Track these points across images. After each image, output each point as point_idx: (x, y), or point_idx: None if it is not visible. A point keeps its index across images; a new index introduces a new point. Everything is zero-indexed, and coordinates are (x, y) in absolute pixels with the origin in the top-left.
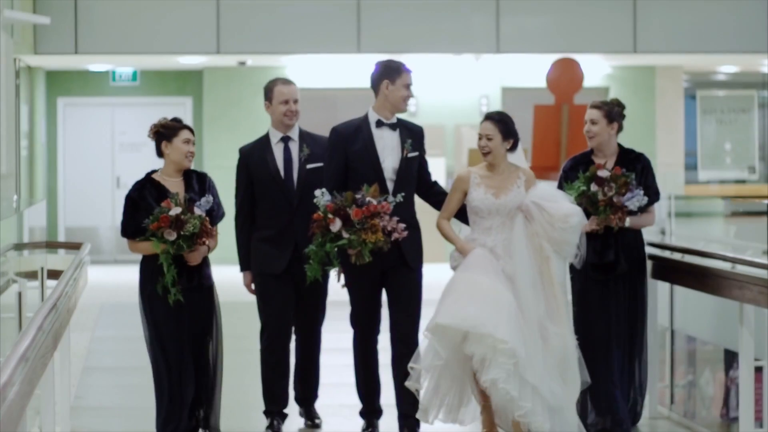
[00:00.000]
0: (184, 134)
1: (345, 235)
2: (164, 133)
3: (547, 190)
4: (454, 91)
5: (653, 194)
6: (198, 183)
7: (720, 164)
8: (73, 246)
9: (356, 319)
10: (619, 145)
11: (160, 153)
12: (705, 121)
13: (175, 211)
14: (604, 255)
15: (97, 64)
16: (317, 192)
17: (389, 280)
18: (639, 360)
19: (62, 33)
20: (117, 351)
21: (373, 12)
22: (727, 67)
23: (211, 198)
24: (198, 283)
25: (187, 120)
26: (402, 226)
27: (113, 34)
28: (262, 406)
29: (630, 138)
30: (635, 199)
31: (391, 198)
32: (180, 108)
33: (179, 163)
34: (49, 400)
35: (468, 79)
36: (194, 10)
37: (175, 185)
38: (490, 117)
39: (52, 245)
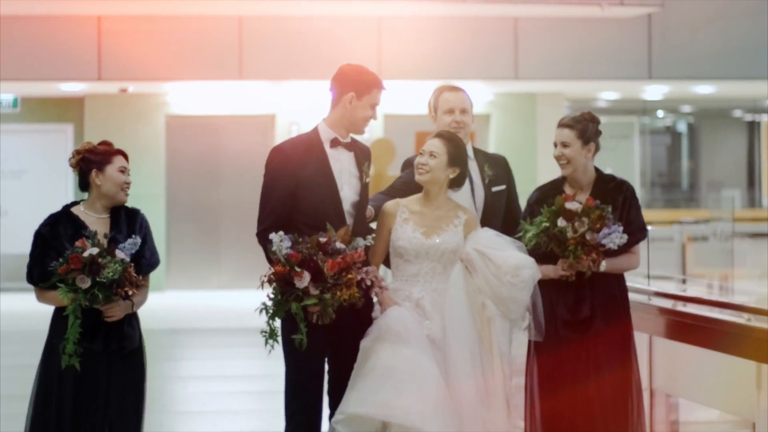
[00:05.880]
0: (119, 161)
1: (314, 292)
2: (93, 159)
3: (492, 236)
4: None
5: (638, 230)
6: (127, 223)
7: None
8: None
9: (295, 395)
10: (597, 171)
11: (85, 185)
12: None
13: (91, 251)
14: (577, 310)
15: None
16: (273, 236)
17: (338, 340)
18: None
19: None
20: None
21: (255, 39)
22: (607, 93)
23: (138, 240)
24: (117, 347)
25: (68, 147)
26: (380, 275)
27: None
28: None
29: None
30: (614, 235)
31: (361, 242)
32: (61, 135)
33: (113, 196)
34: None
35: None
36: (75, 36)
37: (98, 223)
38: (438, 135)
39: None
